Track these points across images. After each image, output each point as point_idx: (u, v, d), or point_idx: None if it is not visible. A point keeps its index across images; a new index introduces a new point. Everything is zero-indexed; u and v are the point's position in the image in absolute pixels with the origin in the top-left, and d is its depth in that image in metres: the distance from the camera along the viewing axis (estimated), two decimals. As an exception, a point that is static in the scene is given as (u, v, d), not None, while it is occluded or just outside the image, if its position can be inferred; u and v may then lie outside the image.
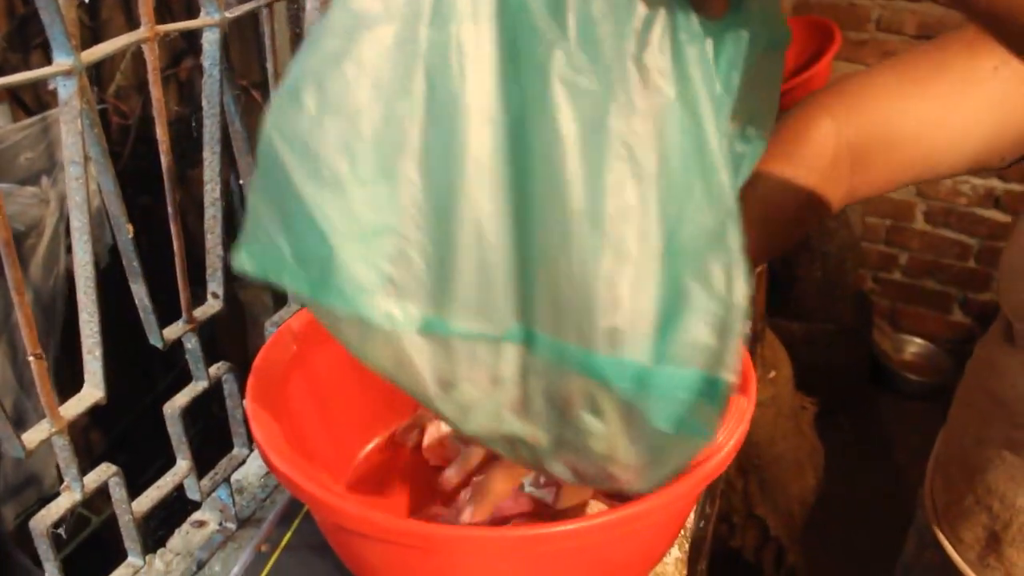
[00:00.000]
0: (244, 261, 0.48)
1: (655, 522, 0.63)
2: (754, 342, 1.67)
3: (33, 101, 1.65)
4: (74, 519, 1.85)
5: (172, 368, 2.37)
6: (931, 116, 0.72)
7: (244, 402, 0.73)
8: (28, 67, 1.78)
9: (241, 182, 0.93)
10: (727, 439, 0.63)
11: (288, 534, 0.79)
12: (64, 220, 1.78)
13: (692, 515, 0.98)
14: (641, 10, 0.42)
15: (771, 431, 1.66)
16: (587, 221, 0.41)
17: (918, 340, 3.13)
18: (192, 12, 2.07)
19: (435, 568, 0.61)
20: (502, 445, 0.51)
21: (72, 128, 0.69)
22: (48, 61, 1.94)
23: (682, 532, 0.93)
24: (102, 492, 0.81)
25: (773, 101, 0.49)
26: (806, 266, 2.45)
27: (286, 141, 0.43)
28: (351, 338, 0.46)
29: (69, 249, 1.83)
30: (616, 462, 0.47)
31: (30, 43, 1.67)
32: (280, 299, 2.57)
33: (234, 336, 2.19)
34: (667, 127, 0.42)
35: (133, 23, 1.91)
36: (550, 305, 0.43)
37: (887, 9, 2.72)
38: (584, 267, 0.42)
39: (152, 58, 0.75)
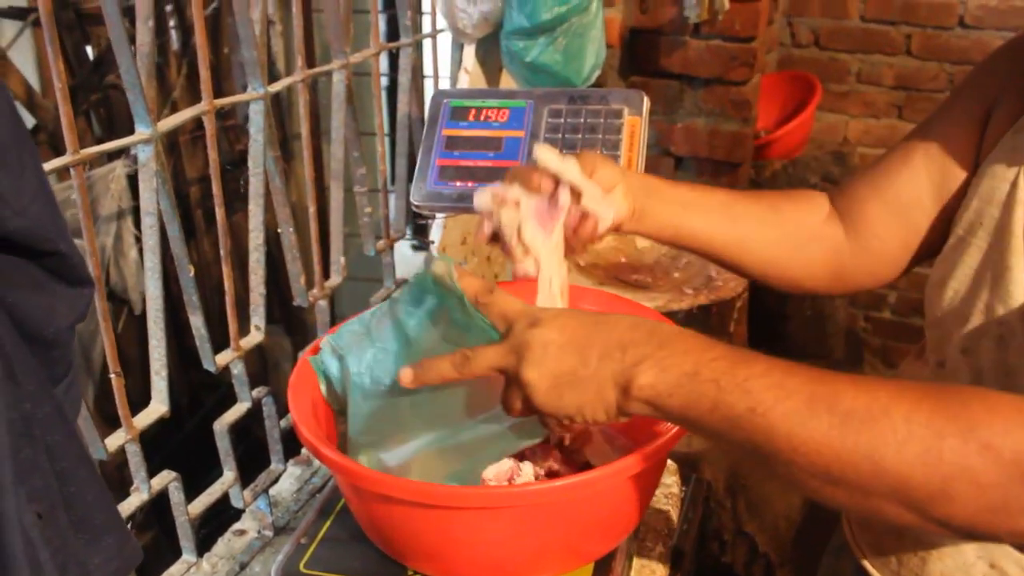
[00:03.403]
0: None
1: (612, 487, 0.79)
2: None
3: (78, 163, 1.80)
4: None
5: (195, 408, 2.51)
6: (895, 166, 0.90)
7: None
8: (74, 132, 1.94)
9: (279, 231, 1.07)
10: (671, 427, 0.78)
11: (324, 527, 0.92)
12: (104, 270, 1.93)
13: (676, 518, 1.11)
14: None
15: (757, 454, 1.77)
16: None
17: (910, 376, 3.25)
18: (220, 87, 2.24)
19: (432, 520, 0.77)
20: None
21: (148, 185, 0.84)
22: (90, 128, 2.11)
23: (666, 530, 1.06)
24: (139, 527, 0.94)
25: None
26: (795, 303, 2.58)
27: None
28: None
29: (107, 297, 1.98)
30: None
31: (76, 112, 1.84)
32: (299, 345, 2.71)
33: (257, 380, 2.34)
34: None
35: (166, 94, 2.09)
36: None
37: (866, 63, 2.88)
38: None
39: (210, 127, 0.90)
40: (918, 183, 0.89)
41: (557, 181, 0.84)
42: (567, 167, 0.84)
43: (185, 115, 0.87)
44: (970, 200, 0.82)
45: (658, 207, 0.90)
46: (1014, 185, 0.78)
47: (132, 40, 0.80)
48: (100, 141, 2.23)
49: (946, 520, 0.61)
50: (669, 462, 1.12)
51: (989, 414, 0.59)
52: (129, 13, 0.86)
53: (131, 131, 0.84)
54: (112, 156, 1.96)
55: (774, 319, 2.55)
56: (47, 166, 0.73)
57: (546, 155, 0.84)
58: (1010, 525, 0.60)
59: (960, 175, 0.86)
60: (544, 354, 0.69)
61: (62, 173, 2.01)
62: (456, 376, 0.74)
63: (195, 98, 2.54)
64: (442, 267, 0.78)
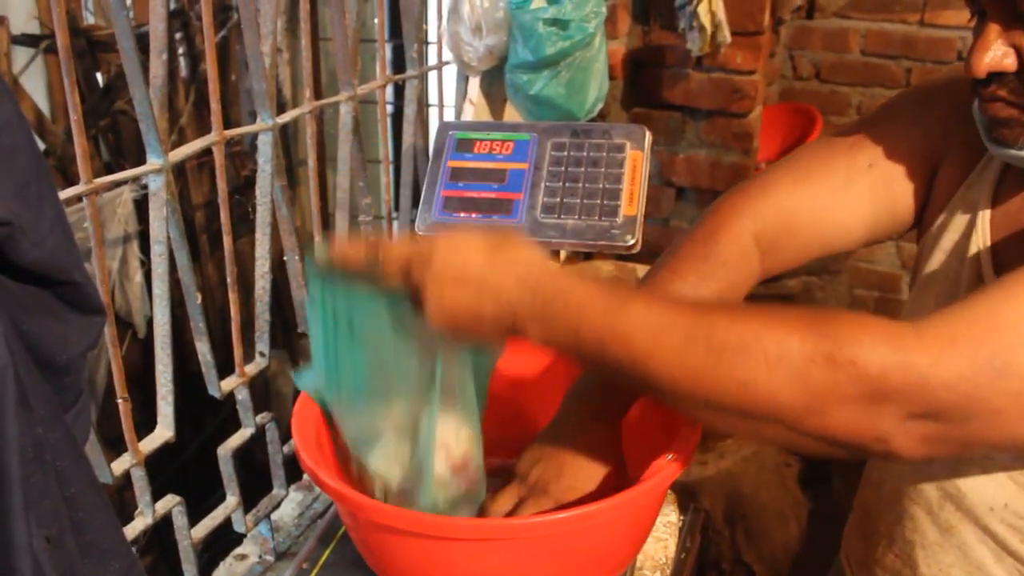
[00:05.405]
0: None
1: (611, 520, 0.80)
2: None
3: (86, 187, 1.83)
4: None
5: (196, 431, 2.52)
6: (822, 203, 0.90)
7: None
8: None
9: (284, 258, 1.09)
10: (669, 463, 0.79)
11: (326, 553, 0.92)
12: (108, 295, 1.95)
13: (674, 548, 1.11)
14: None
15: (755, 483, 1.79)
16: None
17: (910, 407, 3.25)
18: (227, 113, 2.26)
19: (434, 553, 0.78)
20: None
21: (158, 214, 0.85)
22: (98, 153, 2.13)
23: (664, 559, 1.07)
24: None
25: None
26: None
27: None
28: None
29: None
30: None
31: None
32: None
33: (259, 404, 2.35)
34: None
35: (173, 120, 2.11)
36: None
37: (866, 96, 2.91)
38: None
39: (220, 157, 0.92)
40: (855, 211, 0.89)
41: None
42: None
43: (195, 146, 0.89)
44: (931, 251, 0.85)
45: None
46: (966, 237, 0.81)
47: (145, 70, 0.82)
48: (108, 166, 2.25)
49: (818, 432, 0.65)
50: (667, 491, 1.13)
51: (858, 332, 0.63)
52: (141, 41, 0.88)
53: (139, 156, 0.86)
54: (119, 181, 1.99)
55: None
56: (61, 195, 0.75)
57: None
58: (876, 433, 0.64)
59: (906, 211, 0.89)
60: (440, 296, 0.72)
61: (71, 198, 2.04)
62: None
63: (202, 124, 2.58)
64: (321, 254, 0.77)
